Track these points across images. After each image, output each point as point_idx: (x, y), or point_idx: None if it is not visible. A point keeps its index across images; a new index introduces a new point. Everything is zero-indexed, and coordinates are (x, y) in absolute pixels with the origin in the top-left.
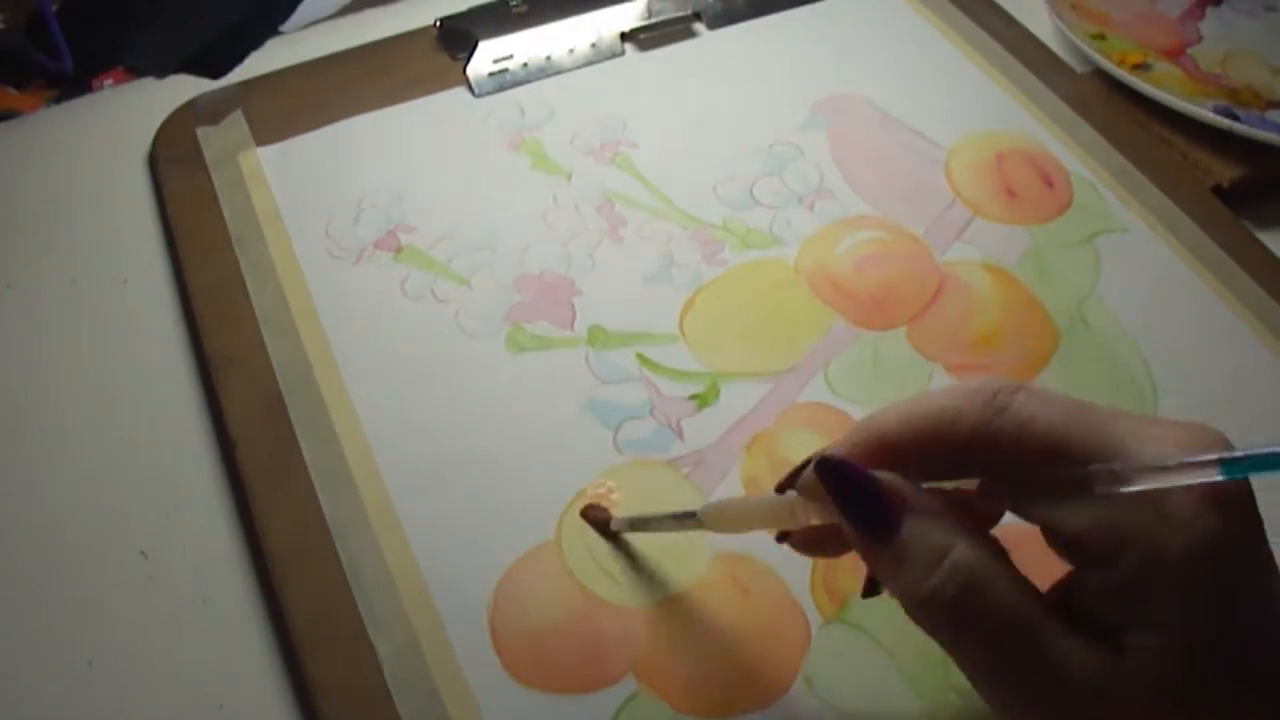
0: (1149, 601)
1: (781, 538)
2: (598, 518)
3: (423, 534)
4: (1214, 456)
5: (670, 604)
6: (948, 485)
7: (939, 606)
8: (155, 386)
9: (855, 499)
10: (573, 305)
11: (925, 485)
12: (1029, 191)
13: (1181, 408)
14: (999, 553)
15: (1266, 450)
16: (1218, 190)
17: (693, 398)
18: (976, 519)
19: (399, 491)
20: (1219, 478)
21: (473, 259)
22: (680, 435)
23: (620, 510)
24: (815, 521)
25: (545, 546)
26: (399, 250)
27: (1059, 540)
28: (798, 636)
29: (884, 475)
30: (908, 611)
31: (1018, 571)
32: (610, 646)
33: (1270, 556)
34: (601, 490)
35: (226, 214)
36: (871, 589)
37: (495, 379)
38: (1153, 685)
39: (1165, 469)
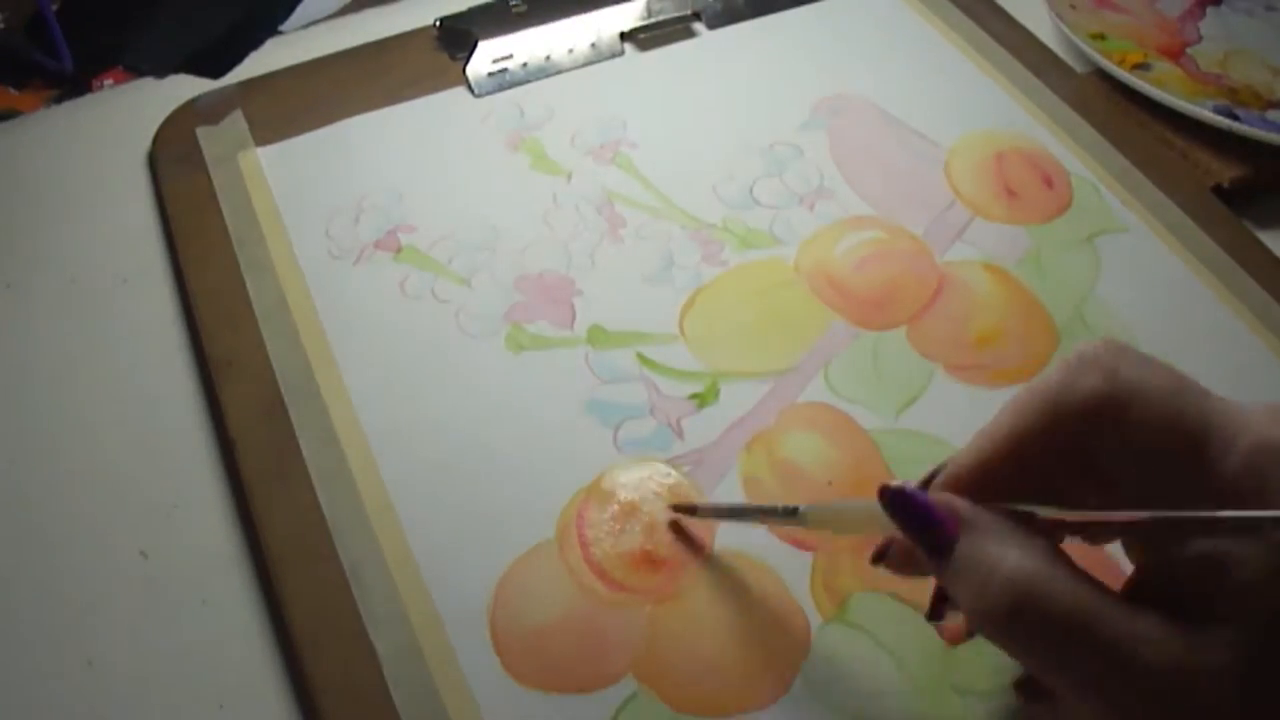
0: (1239, 572)
1: (877, 559)
2: (682, 508)
3: (423, 534)
4: None
5: (670, 604)
6: (1071, 515)
7: (998, 619)
8: (155, 386)
9: (914, 522)
10: (573, 305)
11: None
12: (1029, 191)
13: None
14: (1056, 554)
15: None
16: (1218, 190)
17: (693, 397)
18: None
19: (399, 491)
20: None
21: (473, 259)
22: (680, 435)
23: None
24: None
25: (545, 546)
26: (399, 250)
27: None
28: (798, 636)
29: (941, 497)
30: (973, 626)
31: (1076, 568)
32: (610, 646)
33: None
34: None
35: (226, 214)
36: (934, 614)
37: (495, 379)
38: (1237, 652)
39: None
